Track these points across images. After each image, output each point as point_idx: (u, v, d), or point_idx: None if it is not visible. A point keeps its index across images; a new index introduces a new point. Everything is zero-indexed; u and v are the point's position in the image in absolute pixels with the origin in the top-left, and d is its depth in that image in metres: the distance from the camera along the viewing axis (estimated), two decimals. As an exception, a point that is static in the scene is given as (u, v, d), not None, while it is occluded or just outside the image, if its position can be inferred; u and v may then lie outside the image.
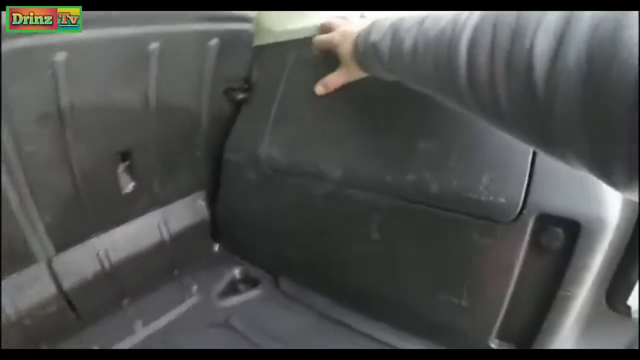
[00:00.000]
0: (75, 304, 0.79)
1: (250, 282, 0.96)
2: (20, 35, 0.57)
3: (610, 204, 0.55)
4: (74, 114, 0.65)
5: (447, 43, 0.39)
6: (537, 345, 0.64)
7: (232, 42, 0.82)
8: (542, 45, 0.28)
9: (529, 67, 0.29)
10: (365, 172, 0.73)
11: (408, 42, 0.46)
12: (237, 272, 0.98)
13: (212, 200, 1.02)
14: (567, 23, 0.27)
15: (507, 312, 0.66)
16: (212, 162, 0.97)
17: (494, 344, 0.68)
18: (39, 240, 0.72)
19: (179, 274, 0.96)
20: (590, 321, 0.65)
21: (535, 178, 0.59)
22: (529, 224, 0.59)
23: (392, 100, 0.71)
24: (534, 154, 0.59)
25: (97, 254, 0.80)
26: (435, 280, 0.71)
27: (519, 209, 0.59)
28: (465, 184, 0.63)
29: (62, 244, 0.76)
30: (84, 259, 0.79)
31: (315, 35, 0.79)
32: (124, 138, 0.76)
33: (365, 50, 0.58)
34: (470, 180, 0.63)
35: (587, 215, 0.55)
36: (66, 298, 0.77)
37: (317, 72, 0.80)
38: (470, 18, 0.37)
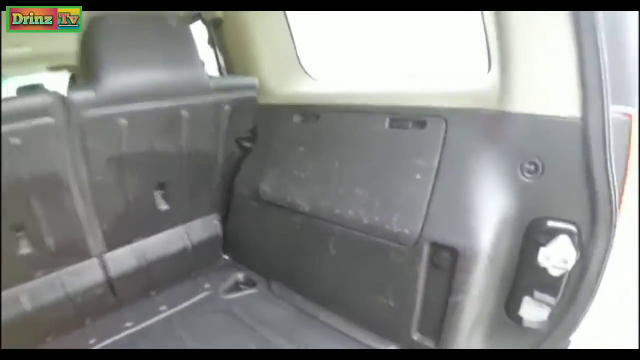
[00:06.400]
0: (116, 289, 1.08)
1: (250, 283, 1.24)
2: (97, 105, 0.86)
3: (482, 235, 0.76)
4: (130, 158, 0.97)
5: None
6: (443, 342, 0.84)
7: (240, 106, 1.13)
8: None
9: None
10: (324, 207, 1.01)
11: None
12: (240, 276, 1.26)
13: (224, 221, 1.31)
14: None
15: (421, 312, 0.88)
16: (225, 192, 1.28)
17: (415, 337, 0.90)
18: (95, 241, 1.03)
19: (195, 275, 1.25)
20: (494, 327, 0.85)
21: (430, 217, 0.83)
22: (425, 248, 0.84)
23: (344, 160, 0.99)
24: (430, 200, 0.83)
25: (137, 254, 1.10)
26: (373, 285, 0.95)
27: (417, 238, 0.84)
28: (384, 219, 0.89)
29: (113, 244, 1.07)
30: (127, 257, 1.09)
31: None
32: (162, 173, 1.08)
33: None
34: (387, 217, 0.89)
35: (461, 244, 0.78)
36: (110, 284, 1.07)
37: (295, 134, 1.09)
38: None
